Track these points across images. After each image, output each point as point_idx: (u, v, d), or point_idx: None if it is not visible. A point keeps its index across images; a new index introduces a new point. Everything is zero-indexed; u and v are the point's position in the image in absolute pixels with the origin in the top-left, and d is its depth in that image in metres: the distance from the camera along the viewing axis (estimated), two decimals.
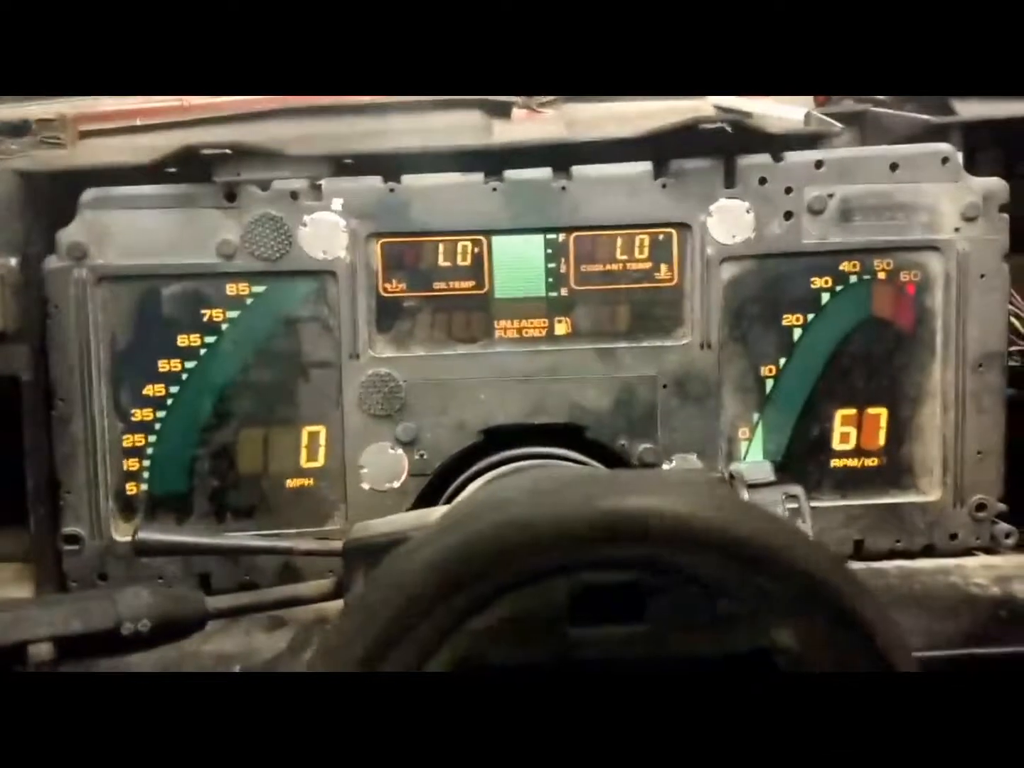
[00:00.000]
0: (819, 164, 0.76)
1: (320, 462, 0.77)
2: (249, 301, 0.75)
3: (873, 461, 0.79)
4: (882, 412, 0.79)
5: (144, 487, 0.76)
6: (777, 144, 0.77)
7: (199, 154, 0.72)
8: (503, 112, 0.95)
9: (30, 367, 0.75)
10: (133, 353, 0.75)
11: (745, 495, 0.63)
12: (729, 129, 0.73)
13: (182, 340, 0.75)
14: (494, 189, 0.76)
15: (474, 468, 0.74)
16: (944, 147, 0.77)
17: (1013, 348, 0.81)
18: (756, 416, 0.79)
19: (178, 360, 0.75)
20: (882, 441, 0.79)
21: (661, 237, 0.77)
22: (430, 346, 0.77)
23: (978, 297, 0.77)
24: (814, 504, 0.77)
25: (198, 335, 0.75)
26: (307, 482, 0.77)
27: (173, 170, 0.75)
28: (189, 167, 0.74)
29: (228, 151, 0.72)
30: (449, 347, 0.77)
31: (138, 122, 1.01)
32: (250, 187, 0.74)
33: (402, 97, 0.97)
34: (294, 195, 0.75)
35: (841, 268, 0.77)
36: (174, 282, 0.75)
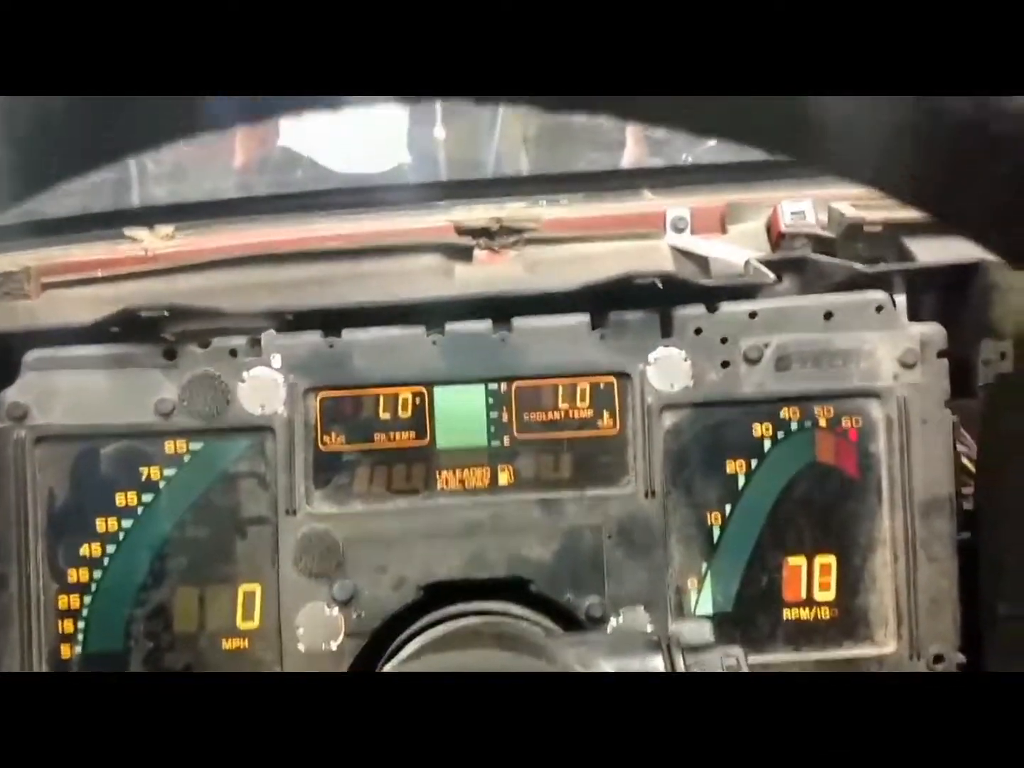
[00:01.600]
0: (753, 314, 0.77)
1: (255, 623, 0.75)
2: (186, 459, 0.75)
3: (825, 612, 0.77)
4: (832, 560, 0.77)
5: (79, 649, 0.75)
6: (713, 294, 0.78)
7: (137, 316, 0.73)
8: (465, 255, 0.97)
9: None
10: (70, 513, 0.75)
11: (681, 661, 0.62)
12: (660, 285, 0.74)
13: (120, 499, 0.75)
14: (434, 342, 0.77)
15: (413, 627, 0.73)
16: (878, 295, 0.78)
17: (965, 490, 0.80)
18: (704, 566, 0.77)
19: (115, 519, 0.75)
20: (833, 591, 0.77)
21: (602, 386, 0.77)
22: (369, 500, 0.76)
23: (921, 443, 0.76)
24: (767, 659, 0.76)
25: (135, 493, 0.75)
26: (243, 643, 0.75)
27: (116, 330, 0.76)
28: (133, 327, 0.76)
29: (165, 312, 0.73)
30: (389, 501, 0.76)
31: (100, 273, 1.03)
32: (189, 346, 0.75)
33: (368, 243, 1.00)
34: (233, 352, 0.75)
35: (782, 415, 0.77)
36: (112, 441, 0.75)
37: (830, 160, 0.31)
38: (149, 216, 1.08)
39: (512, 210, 1.04)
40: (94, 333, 0.76)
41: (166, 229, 1.07)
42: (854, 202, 1.02)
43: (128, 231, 1.07)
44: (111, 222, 1.08)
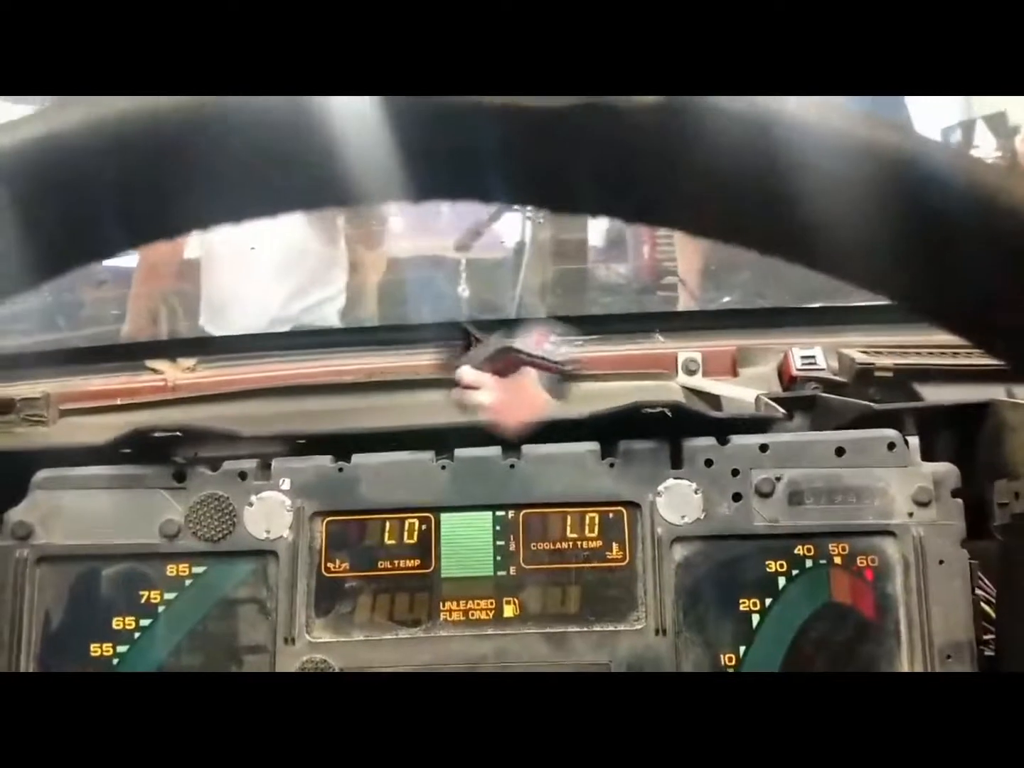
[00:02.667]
0: (764, 447, 0.77)
1: None
2: (188, 582, 0.74)
3: None
4: None
5: None
6: (723, 427, 0.78)
7: (150, 437, 0.74)
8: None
9: None
10: (65, 635, 0.73)
11: None
12: (669, 414, 0.74)
13: (117, 623, 0.73)
14: (443, 467, 0.77)
15: None
16: (890, 433, 0.77)
17: (987, 636, 0.77)
18: None
19: (110, 644, 0.73)
20: None
21: (611, 515, 0.76)
22: (370, 630, 0.74)
23: (939, 584, 0.74)
24: None
25: (133, 618, 0.73)
26: None
27: (128, 451, 0.77)
28: (144, 448, 0.76)
29: (178, 433, 0.74)
30: (390, 631, 0.74)
31: (119, 401, 1.05)
32: (199, 468, 0.75)
33: (383, 376, 1.01)
34: (243, 475, 0.76)
35: (796, 552, 0.76)
36: (114, 563, 0.74)
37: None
38: (171, 349, 1.11)
39: None
40: (106, 454, 0.77)
41: (188, 362, 1.09)
42: (863, 348, 1.03)
43: (150, 363, 1.09)
44: (133, 354, 1.10)
